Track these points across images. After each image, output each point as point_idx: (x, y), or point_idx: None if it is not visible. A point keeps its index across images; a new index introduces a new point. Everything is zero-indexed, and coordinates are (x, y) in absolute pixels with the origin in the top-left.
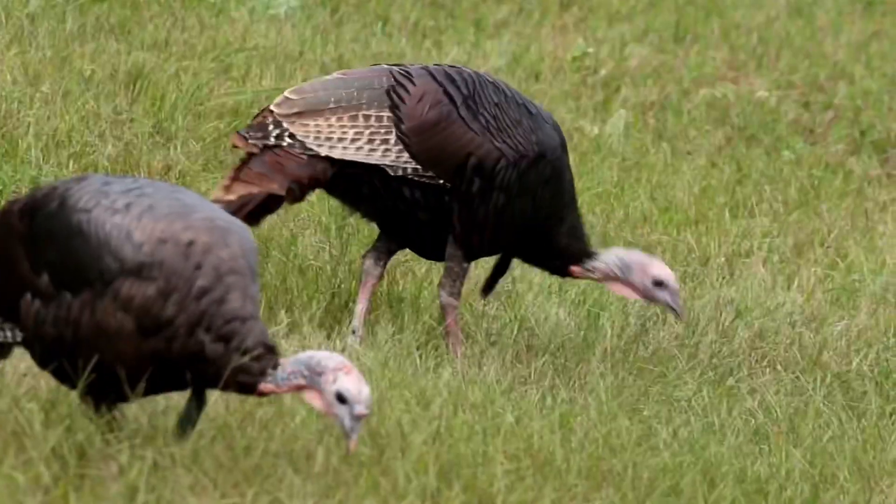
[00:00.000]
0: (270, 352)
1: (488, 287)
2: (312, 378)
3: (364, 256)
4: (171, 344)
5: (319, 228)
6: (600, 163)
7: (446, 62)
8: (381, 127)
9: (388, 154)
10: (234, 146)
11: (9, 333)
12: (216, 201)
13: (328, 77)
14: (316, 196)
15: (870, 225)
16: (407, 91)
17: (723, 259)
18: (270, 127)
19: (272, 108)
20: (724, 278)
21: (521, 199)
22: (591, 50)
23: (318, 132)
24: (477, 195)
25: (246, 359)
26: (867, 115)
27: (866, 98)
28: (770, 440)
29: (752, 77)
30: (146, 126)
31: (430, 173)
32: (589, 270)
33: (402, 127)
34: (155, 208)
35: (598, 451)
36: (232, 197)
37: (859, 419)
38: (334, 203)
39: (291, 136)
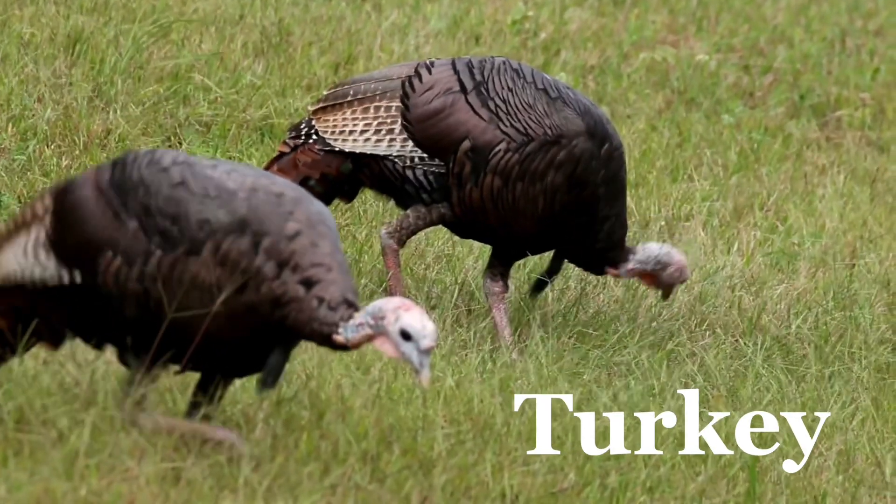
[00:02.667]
0: (349, 306)
1: (538, 287)
2: (377, 325)
3: (484, 276)
4: (259, 290)
5: None
6: None
7: (385, 25)
8: (388, 117)
9: (393, 144)
10: (281, 152)
11: (64, 273)
12: None
13: (363, 74)
14: (256, 159)
15: (809, 188)
16: (420, 80)
17: (663, 222)
18: (302, 125)
19: (309, 106)
20: (664, 241)
21: (524, 183)
22: (530, 13)
23: (335, 126)
24: (468, 177)
25: (322, 308)
26: (806, 78)
27: (805, 62)
28: (710, 403)
29: (692, 40)
30: (86, 90)
31: (436, 161)
32: (624, 273)
33: (408, 116)
34: (238, 168)
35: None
36: None
37: (798, 382)
38: None
39: (316, 132)
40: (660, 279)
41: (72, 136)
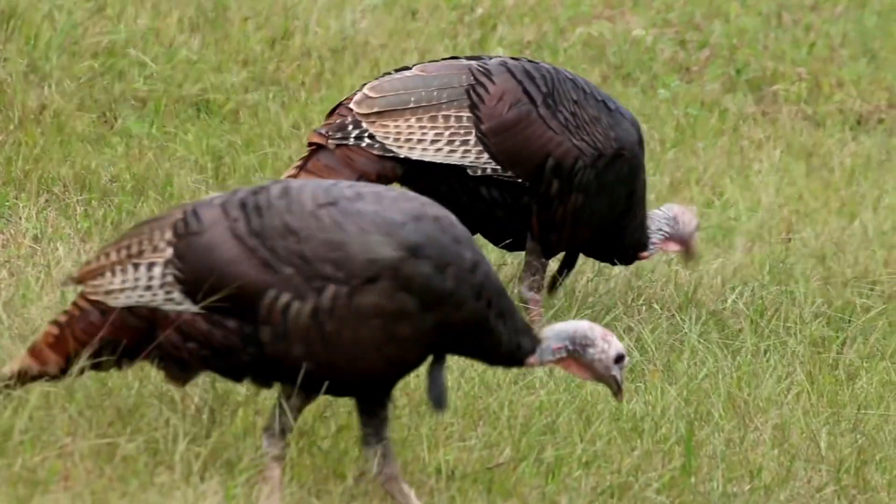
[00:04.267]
0: (531, 331)
1: (555, 283)
2: (577, 350)
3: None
4: (457, 312)
5: (196, 168)
6: None
7: (320, 2)
8: (460, 127)
9: (467, 155)
10: (312, 144)
11: (176, 296)
12: None
13: (408, 73)
14: (192, 135)
15: (745, 163)
16: (486, 90)
17: None
18: (350, 127)
19: (352, 105)
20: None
21: (599, 197)
22: None
23: (398, 133)
24: (556, 196)
25: (518, 336)
26: (742, 53)
27: (741, 36)
28: (646, 378)
29: (629, 15)
30: (20, 65)
31: (509, 173)
32: (652, 252)
33: (482, 127)
34: (376, 193)
35: (473, 389)
36: None
37: (734, 356)
38: (212, 142)
39: (371, 136)
40: (679, 236)
41: (6, 112)
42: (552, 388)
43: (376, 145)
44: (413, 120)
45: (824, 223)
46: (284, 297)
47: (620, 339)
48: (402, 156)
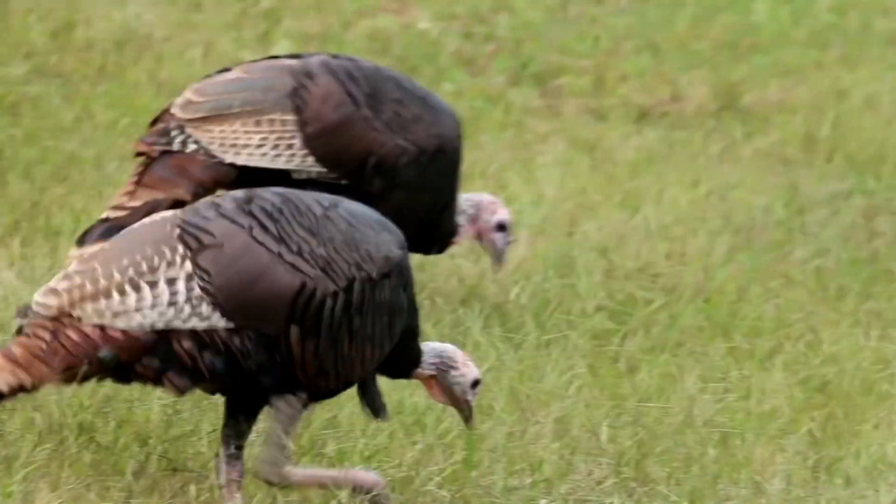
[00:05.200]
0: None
1: None
2: (443, 370)
3: None
4: (415, 315)
5: None
6: None
7: None
8: (285, 131)
9: (293, 159)
10: (139, 153)
11: (204, 310)
12: (120, 207)
13: (230, 76)
14: None
15: (529, 156)
16: (310, 92)
17: None
18: (174, 132)
19: (173, 111)
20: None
21: (421, 194)
22: None
23: (224, 138)
24: (377, 194)
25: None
26: (528, 46)
27: (527, 30)
28: None
29: (414, 8)
30: None
31: (334, 175)
32: (462, 238)
33: (307, 130)
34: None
35: None
36: (137, 203)
37: (517, 349)
38: None
39: (196, 141)
40: (478, 228)
41: None
42: None
43: (202, 151)
44: (238, 124)
45: (607, 217)
46: (319, 296)
47: None
48: (227, 161)
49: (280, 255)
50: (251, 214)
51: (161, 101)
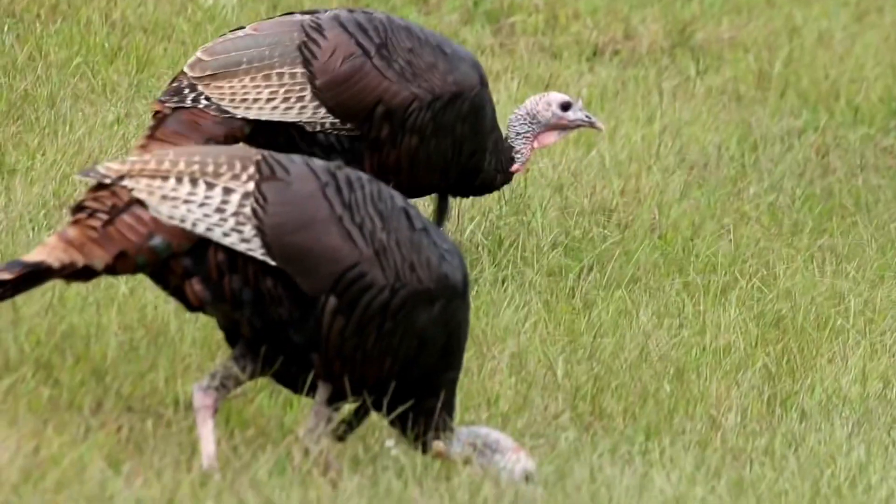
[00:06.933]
0: None
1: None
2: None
3: None
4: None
5: None
6: (215, 33)
7: None
8: (295, 84)
9: (304, 111)
10: (156, 112)
11: (247, 231)
12: None
13: (239, 34)
14: None
15: None
16: (318, 46)
17: None
18: (186, 90)
19: (186, 69)
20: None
21: (437, 138)
22: None
23: (234, 94)
24: (387, 140)
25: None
26: None
27: None
28: None
29: None
30: None
31: (348, 125)
32: (522, 160)
33: (316, 83)
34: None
35: (211, 321)
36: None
37: (473, 286)
38: None
39: (207, 98)
40: (551, 127)
41: None
42: None
43: (213, 107)
44: (247, 80)
45: (562, 154)
46: (367, 278)
47: None
48: (238, 115)
49: (340, 218)
50: (333, 175)
51: (114, 40)
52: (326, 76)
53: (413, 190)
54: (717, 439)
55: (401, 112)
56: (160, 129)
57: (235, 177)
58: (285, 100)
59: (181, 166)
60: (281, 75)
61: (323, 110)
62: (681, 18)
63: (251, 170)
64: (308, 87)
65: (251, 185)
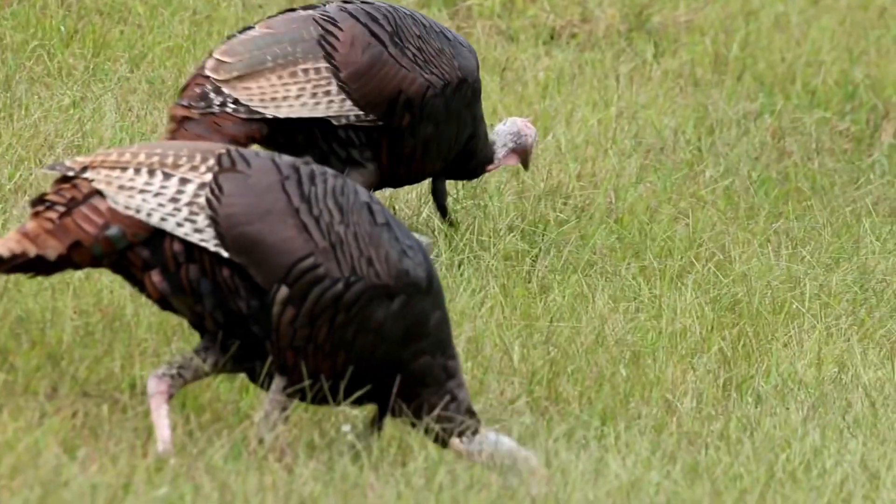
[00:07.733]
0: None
1: (443, 211)
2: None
3: None
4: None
5: None
6: (171, 17)
7: None
8: (321, 79)
9: (332, 105)
10: (175, 117)
11: (200, 221)
12: None
13: (255, 33)
14: None
15: None
16: (336, 38)
17: None
18: (212, 95)
19: (208, 73)
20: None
21: (448, 124)
22: None
23: (263, 94)
24: (407, 128)
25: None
26: None
27: None
28: None
29: None
30: None
31: (371, 117)
32: (496, 165)
33: (341, 75)
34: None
35: None
36: None
37: None
38: None
39: (235, 101)
40: (522, 149)
41: None
42: None
43: (242, 109)
44: (274, 78)
45: None
46: (319, 269)
47: None
48: (269, 115)
49: (297, 210)
50: (296, 170)
51: (70, 23)
52: (349, 68)
53: (419, 175)
54: (673, 424)
55: (418, 100)
56: (180, 132)
57: (194, 168)
58: (313, 95)
59: (141, 157)
60: (306, 71)
61: (349, 102)
62: (638, 2)
63: (211, 161)
64: (333, 80)
65: (209, 176)
